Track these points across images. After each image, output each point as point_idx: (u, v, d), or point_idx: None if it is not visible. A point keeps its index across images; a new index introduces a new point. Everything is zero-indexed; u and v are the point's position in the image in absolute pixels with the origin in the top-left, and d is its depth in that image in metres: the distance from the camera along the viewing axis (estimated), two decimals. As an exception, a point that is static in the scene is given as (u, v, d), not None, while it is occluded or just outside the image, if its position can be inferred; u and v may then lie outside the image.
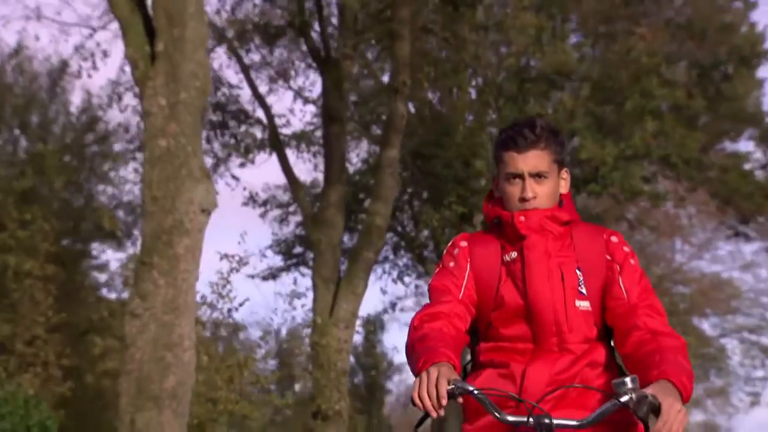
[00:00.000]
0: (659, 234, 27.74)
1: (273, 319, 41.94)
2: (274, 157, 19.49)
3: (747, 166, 23.56)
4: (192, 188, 10.26)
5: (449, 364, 2.70)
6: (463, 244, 3.13)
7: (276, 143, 19.30)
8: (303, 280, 22.85)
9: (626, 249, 3.06)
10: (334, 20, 18.49)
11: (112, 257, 22.01)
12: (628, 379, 2.56)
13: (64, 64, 19.10)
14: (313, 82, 20.73)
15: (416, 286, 24.49)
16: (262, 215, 22.90)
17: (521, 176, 3.01)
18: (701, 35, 19.21)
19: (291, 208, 22.87)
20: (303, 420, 18.43)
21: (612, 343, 3.04)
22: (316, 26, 18.02)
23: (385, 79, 20.13)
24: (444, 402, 2.61)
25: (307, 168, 24.31)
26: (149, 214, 10.22)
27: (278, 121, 19.87)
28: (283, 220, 23.07)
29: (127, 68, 17.14)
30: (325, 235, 16.83)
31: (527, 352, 2.97)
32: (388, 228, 17.96)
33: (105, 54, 17.07)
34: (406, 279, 23.91)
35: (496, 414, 2.68)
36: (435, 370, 2.64)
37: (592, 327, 2.99)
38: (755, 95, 23.16)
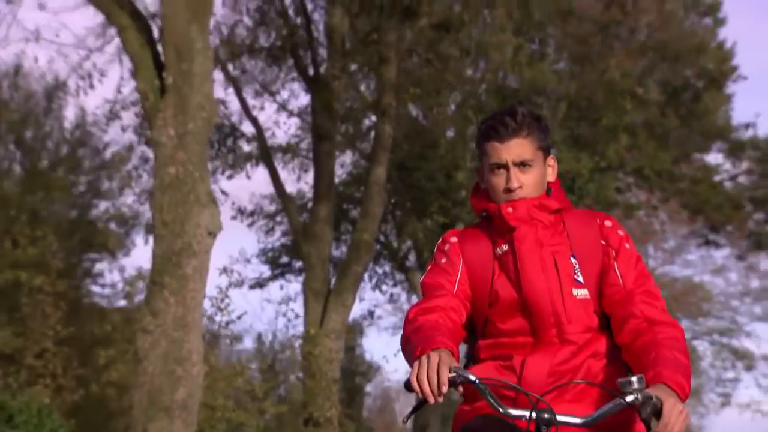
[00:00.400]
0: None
1: (265, 331, 42.48)
2: (259, 167, 19.89)
3: (717, 178, 24.18)
4: (199, 213, 10.85)
5: (448, 351, 2.62)
6: (454, 240, 3.03)
7: (266, 156, 19.54)
8: (289, 285, 23.37)
9: (621, 233, 2.97)
10: (323, 40, 18.93)
11: (105, 268, 22.34)
12: (634, 379, 2.50)
13: (61, 84, 19.60)
14: (296, 95, 20.97)
15: (391, 294, 24.75)
16: (249, 225, 23.40)
17: (505, 166, 2.91)
18: (674, 57, 19.95)
19: (278, 218, 23.38)
20: (294, 427, 19.02)
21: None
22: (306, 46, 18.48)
23: (368, 93, 20.66)
24: (444, 389, 2.52)
25: (292, 179, 24.61)
26: (160, 237, 10.80)
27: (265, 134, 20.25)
28: (269, 231, 23.50)
29: (124, 89, 17.89)
30: (315, 248, 17.22)
31: (527, 345, 2.87)
32: (371, 238, 18.47)
33: (102, 74, 17.59)
34: (383, 287, 24.13)
35: (498, 407, 2.60)
36: (436, 355, 2.56)
37: (593, 316, 2.89)
38: (724, 109, 23.61)
